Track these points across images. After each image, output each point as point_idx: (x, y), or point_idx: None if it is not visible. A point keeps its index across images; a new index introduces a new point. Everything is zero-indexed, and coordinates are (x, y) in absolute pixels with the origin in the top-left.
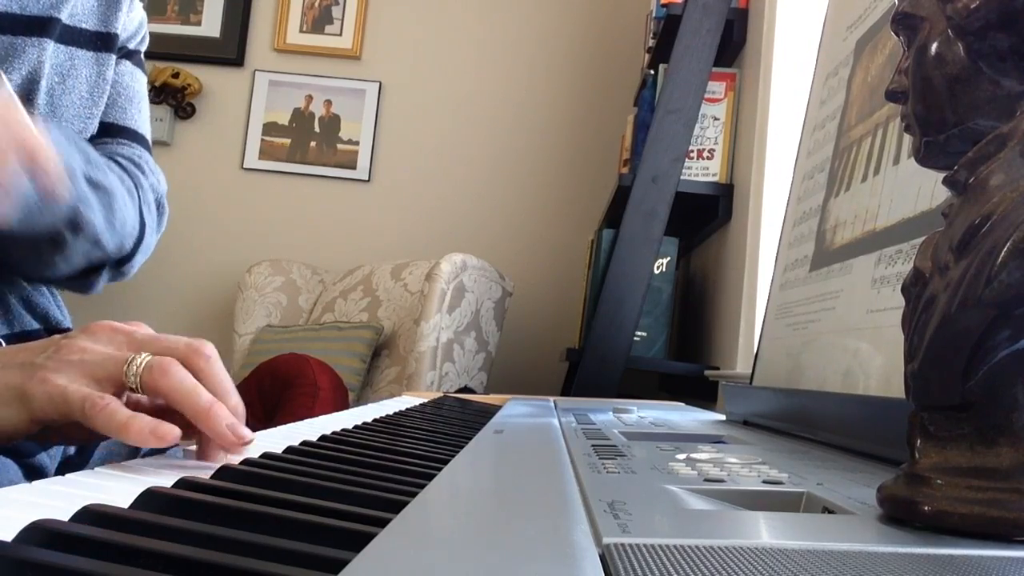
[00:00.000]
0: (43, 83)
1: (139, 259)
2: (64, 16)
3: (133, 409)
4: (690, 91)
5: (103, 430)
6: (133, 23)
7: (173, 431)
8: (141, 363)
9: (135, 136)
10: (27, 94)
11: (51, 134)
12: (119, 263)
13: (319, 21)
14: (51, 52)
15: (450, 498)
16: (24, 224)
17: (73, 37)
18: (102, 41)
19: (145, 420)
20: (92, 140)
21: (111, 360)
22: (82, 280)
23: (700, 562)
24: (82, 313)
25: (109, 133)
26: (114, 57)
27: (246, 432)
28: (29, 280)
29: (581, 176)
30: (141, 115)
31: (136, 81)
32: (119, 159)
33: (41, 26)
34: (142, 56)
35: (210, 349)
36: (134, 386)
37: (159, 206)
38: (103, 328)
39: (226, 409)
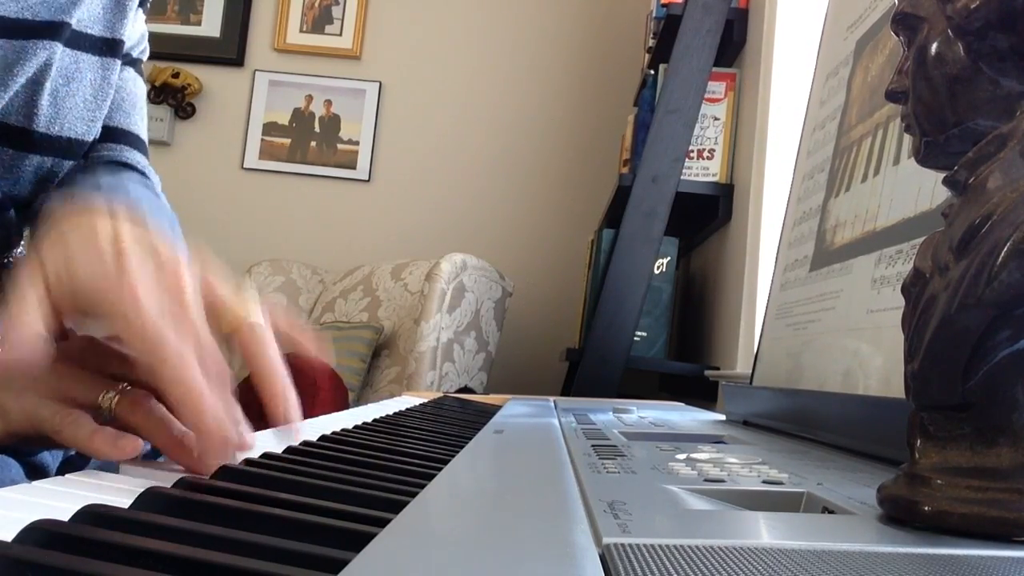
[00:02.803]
0: (47, 85)
1: None
2: (73, 21)
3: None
4: (690, 91)
5: (70, 444)
6: (136, 33)
7: (134, 444)
8: (113, 398)
9: (137, 141)
10: (31, 95)
11: (154, 220)
12: None
13: (319, 21)
14: (59, 55)
15: (450, 498)
16: None
17: (80, 42)
18: (108, 46)
19: (107, 434)
20: (95, 143)
21: (88, 386)
22: None
23: (700, 562)
24: None
25: (113, 137)
26: (119, 63)
27: (214, 463)
28: None
29: (581, 176)
30: (143, 121)
31: (138, 88)
32: (146, 175)
33: (51, 30)
34: (142, 66)
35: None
36: (106, 417)
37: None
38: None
39: (191, 441)
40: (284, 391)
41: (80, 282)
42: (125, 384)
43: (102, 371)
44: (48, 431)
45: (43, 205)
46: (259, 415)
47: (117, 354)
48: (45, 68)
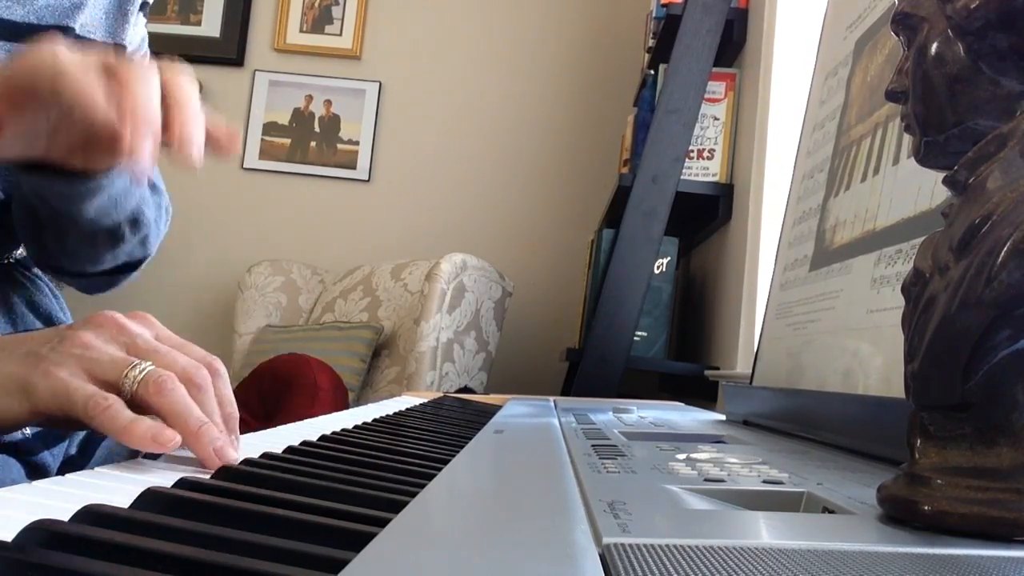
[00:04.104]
0: None
1: (146, 263)
2: (76, 26)
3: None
4: (690, 91)
5: (104, 431)
6: (137, 37)
7: (175, 438)
8: (139, 375)
9: None
10: None
11: None
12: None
13: (319, 21)
14: None
15: (450, 498)
16: (107, 208)
17: (83, 47)
18: (110, 52)
19: (146, 424)
20: None
21: (111, 364)
22: (109, 278)
23: (700, 562)
24: (84, 314)
25: None
26: None
27: (232, 456)
28: (61, 274)
29: (581, 176)
30: None
31: None
32: None
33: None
34: None
35: (204, 375)
36: (129, 396)
37: (167, 211)
38: (108, 323)
39: (215, 431)
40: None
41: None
42: (149, 364)
43: (128, 352)
44: (80, 415)
45: None
46: (260, 416)
47: (143, 338)
48: None
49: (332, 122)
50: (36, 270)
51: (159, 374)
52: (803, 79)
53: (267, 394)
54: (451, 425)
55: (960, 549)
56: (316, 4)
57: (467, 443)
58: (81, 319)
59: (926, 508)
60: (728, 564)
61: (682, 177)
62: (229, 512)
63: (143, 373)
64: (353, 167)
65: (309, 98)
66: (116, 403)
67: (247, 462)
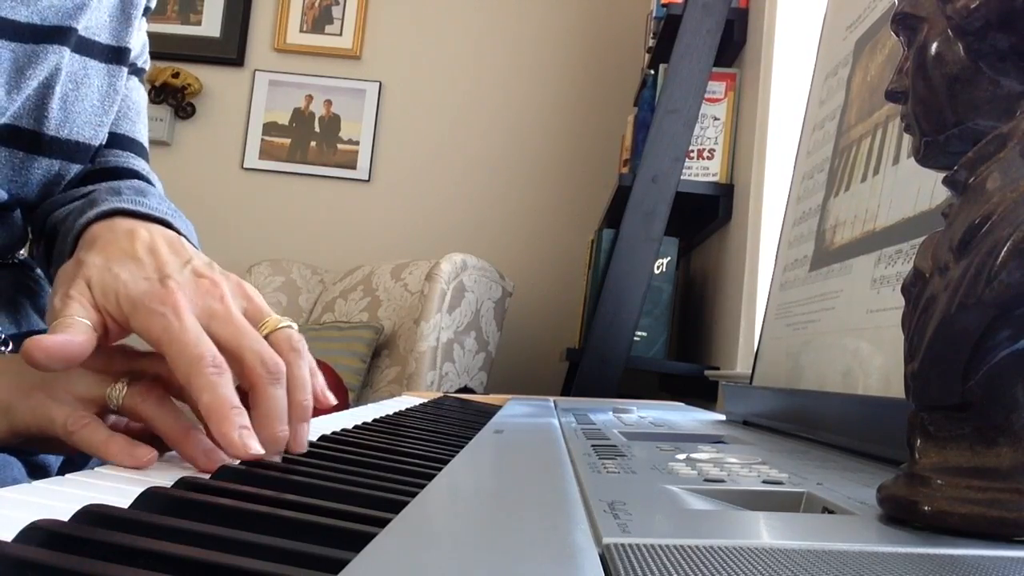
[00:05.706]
0: (58, 89)
1: None
2: (80, 27)
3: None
4: (690, 91)
5: (83, 449)
6: (139, 43)
7: (149, 454)
8: (122, 390)
9: (141, 149)
10: (42, 99)
11: (178, 222)
12: None
13: (319, 21)
14: (67, 60)
15: (450, 498)
16: None
17: (87, 48)
18: (114, 54)
19: (121, 443)
20: (101, 149)
21: (95, 382)
22: None
23: (700, 562)
24: None
25: (120, 144)
26: (125, 71)
27: (222, 457)
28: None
29: (581, 176)
30: (145, 129)
31: (141, 96)
32: (151, 182)
33: (59, 34)
34: (144, 76)
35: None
36: (115, 408)
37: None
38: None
39: (200, 436)
40: (305, 403)
41: (123, 286)
42: (129, 379)
43: (107, 370)
44: (60, 434)
45: (59, 209)
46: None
47: (121, 351)
48: (55, 72)
49: (332, 122)
50: (39, 271)
51: (142, 384)
52: (803, 79)
53: None
54: (451, 425)
55: (960, 549)
56: (316, 4)
57: (467, 443)
58: None
59: (926, 508)
60: (728, 564)
61: (682, 177)
62: (229, 512)
63: (125, 389)
64: (353, 167)
65: (309, 98)
66: (93, 422)
67: (247, 462)
